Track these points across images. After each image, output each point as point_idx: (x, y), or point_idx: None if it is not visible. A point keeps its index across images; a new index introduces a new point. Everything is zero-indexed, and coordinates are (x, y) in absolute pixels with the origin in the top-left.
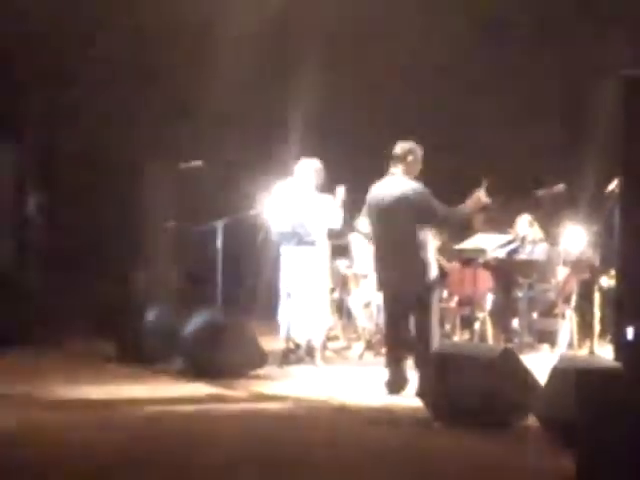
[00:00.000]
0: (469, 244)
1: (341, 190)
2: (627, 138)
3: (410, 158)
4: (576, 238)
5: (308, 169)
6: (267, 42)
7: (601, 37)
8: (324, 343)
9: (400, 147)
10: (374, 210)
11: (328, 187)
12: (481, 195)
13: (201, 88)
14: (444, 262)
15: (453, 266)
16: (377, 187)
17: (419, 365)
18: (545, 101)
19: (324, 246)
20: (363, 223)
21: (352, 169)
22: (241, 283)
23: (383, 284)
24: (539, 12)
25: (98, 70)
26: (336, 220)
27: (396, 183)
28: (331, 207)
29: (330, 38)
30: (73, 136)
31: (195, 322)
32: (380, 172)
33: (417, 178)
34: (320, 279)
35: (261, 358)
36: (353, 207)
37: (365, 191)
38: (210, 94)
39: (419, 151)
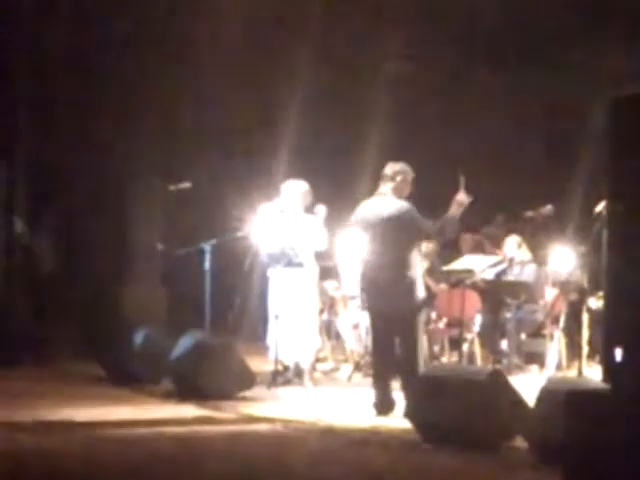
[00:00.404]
0: (457, 265)
1: (322, 209)
2: (614, 159)
3: (399, 178)
4: (564, 259)
5: (295, 191)
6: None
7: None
8: (313, 364)
9: (390, 167)
10: (361, 230)
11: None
12: (461, 197)
13: (187, 106)
14: (432, 284)
15: (441, 288)
16: (364, 206)
17: (406, 386)
18: (531, 123)
19: (312, 268)
20: (345, 239)
21: (338, 188)
22: (229, 305)
23: (370, 304)
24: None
25: (81, 91)
26: (321, 241)
27: (384, 203)
28: (316, 228)
29: (316, 57)
30: (59, 153)
31: (183, 344)
32: (365, 192)
33: (406, 199)
34: (308, 301)
35: (249, 380)
36: (335, 226)
37: (348, 210)
38: (196, 113)
39: (409, 173)
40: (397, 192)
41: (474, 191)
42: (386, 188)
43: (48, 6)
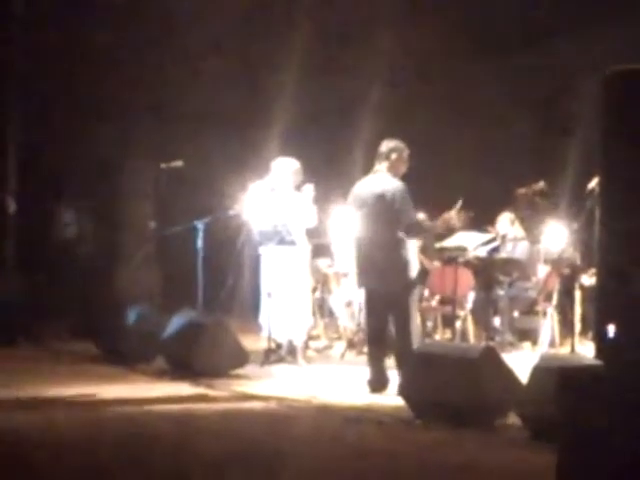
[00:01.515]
0: (450, 242)
1: (309, 187)
2: (606, 135)
3: (394, 156)
4: (557, 236)
5: (285, 168)
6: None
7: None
8: (306, 342)
9: (385, 145)
10: (356, 207)
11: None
12: (452, 217)
13: (182, 86)
14: (426, 261)
15: (435, 265)
16: (360, 184)
17: (400, 363)
18: (525, 99)
19: (304, 245)
20: (338, 217)
21: (333, 166)
22: (222, 283)
23: (363, 282)
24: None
25: (80, 68)
26: (312, 218)
27: (378, 181)
28: (306, 206)
29: (313, 42)
30: (51, 133)
31: (176, 322)
32: (361, 169)
33: (402, 178)
34: (301, 279)
35: (242, 358)
36: (329, 203)
37: (342, 188)
38: (190, 93)
39: (405, 150)
40: (392, 170)
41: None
42: (381, 166)
43: None
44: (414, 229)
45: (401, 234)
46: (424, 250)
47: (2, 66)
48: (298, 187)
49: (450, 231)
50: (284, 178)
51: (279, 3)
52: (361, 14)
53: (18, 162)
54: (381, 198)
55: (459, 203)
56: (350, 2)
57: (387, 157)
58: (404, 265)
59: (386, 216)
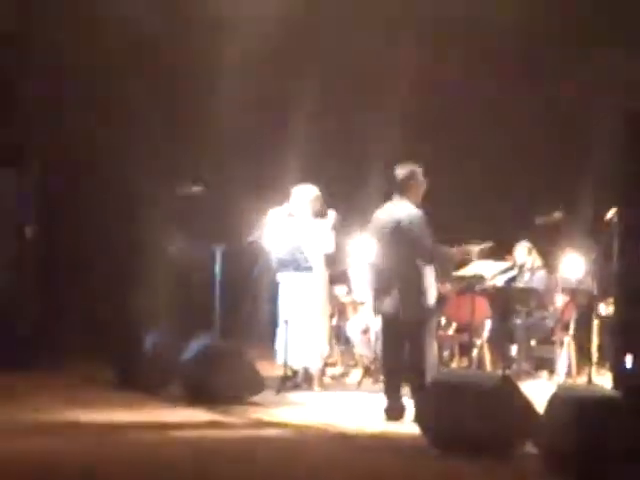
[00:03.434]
0: (468, 271)
1: (332, 214)
2: (627, 168)
3: (410, 182)
4: (574, 266)
5: (305, 195)
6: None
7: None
8: (321, 370)
9: (399, 171)
10: (374, 235)
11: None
12: (472, 250)
13: (202, 110)
14: (440, 286)
15: (447, 287)
16: (378, 212)
17: (416, 392)
18: (542, 131)
19: (322, 272)
20: (356, 245)
21: (353, 194)
22: (239, 309)
23: (381, 310)
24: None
25: (98, 85)
26: (329, 245)
27: (396, 208)
28: (324, 232)
29: (329, 69)
30: (72, 155)
31: (193, 348)
32: (379, 198)
33: (420, 201)
34: (317, 306)
35: (259, 384)
36: (348, 231)
37: (361, 216)
38: (211, 117)
39: (418, 173)
40: (410, 196)
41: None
42: (398, 193)
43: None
44: (432, 256)
45: (420, 262)
46: (436, 274)
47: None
48: (317, 214)
49: (465, 262)
50: (303, 205)
51: (305, 32)
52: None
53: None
54: (398, 226)
55: (488, 245)
56: (370, 38)
57: (403, 184)
58: (422, 293)
59: (404, 244)
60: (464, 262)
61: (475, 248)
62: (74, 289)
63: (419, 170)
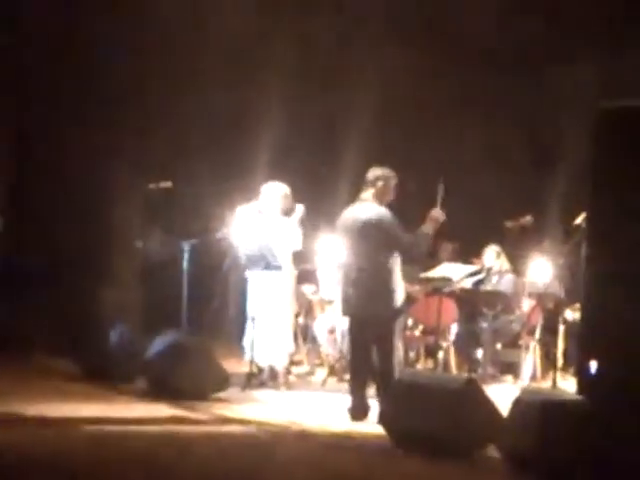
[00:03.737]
0: (435, 273)
1: (300, 208)
2: (595, 172)
3: (380, 184)
4: (542, 270)
5: (274, 193)
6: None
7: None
8: (287, 368)
9: (372, 173)
10: (342, 235)
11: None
12: (437, 213)
13: (170, 107)
14: (407, 285)
15: (415, 289)
16: (346, 212)
17: (381, 392)
18: (512, 135)
19: (290, 271)
20: (324, 244)
21: (319, 192)
22: (207, 305)
23: (348, 309)
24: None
25: (65, 87)
26: (297, 242)
27: (363, 208)
28: (293, 229)
29: (297, 71)
30: (40, 151)
31: (158, 343)
32: (347, 196)
33: (387, 205)
34: (284, 303)
35: (224, 381)
36: (315, 229)
37: (329, 214)
38: (179, 113)
39: (392, 179)
40: (378, 198)
41: (453, 202)
42: (367, 194)
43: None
44: (412, 247)
45: (402, 258)
46: (405, 275)
47: None
48: (287, 212)
49: (436, 259)
50: (273, 202)
51: (266, 29)
52: (348, 41)
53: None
54: (366, 225)
55: (441, 192)
56: (336, 31)
57: (373, 185)
58: (390, 293)
59: (371, 244)
60: (437, 230)
61: (437, 210)
62: (41, 283)
63: (392, 176)
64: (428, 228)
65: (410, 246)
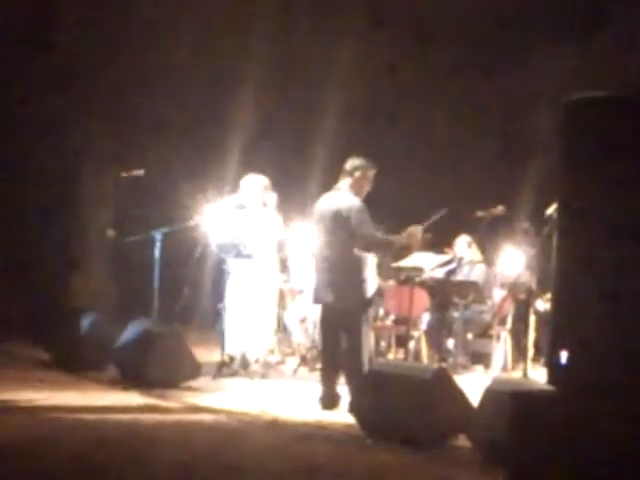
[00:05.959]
0: (407, 262)
1: (272, 196)
2: (564, 162)
3: (357, 174)
4: (513, 260)
5: (255, 185)
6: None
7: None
8: (266, 357)
9: (350, 162)
10: (315, 224)
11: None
12: (418, 232)
13: (142, 95)
14: (380, 280)
15: (389, 284)
16: (321, 201)
17: (351, 381)
18: (483, 126)
19: (270, 260)
20: (296, 233)
21: (291, 181)
22: (179, 293)
23: (319, 298)
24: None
25: (35, 73)
26: (279, 230)
27: (337, 198)
28: (273, 220)
29: (269, 59)
30: (7, 141)
31: (130, 331)
32: (320, 186)
33: (363, 197)
34: (268, 294)
35: (195, 369)
36: (286, 219)
37: (300, 204)
38: (151, 101)
39: (370, 169)
40: (354, 188)
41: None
42: (344, 183)
43: None
44: (372, 244)
45: (359, 250)
46: (379, 269)
47: None
48: (266, 203)
49: (407, 249)
50: (253, 194)
51: (238, 19)
52: (321, 30)
53: None
54: (338, 215)
55: (440, 213)
56: (311, 18)
57: (350, 174)
58: (360, 283)
59: (343, 233)
60: (409, 246)
61: (419, 228)
62: (12, 271)
63: (370, 166)
64: (399, 240)
65: (370, 244)
